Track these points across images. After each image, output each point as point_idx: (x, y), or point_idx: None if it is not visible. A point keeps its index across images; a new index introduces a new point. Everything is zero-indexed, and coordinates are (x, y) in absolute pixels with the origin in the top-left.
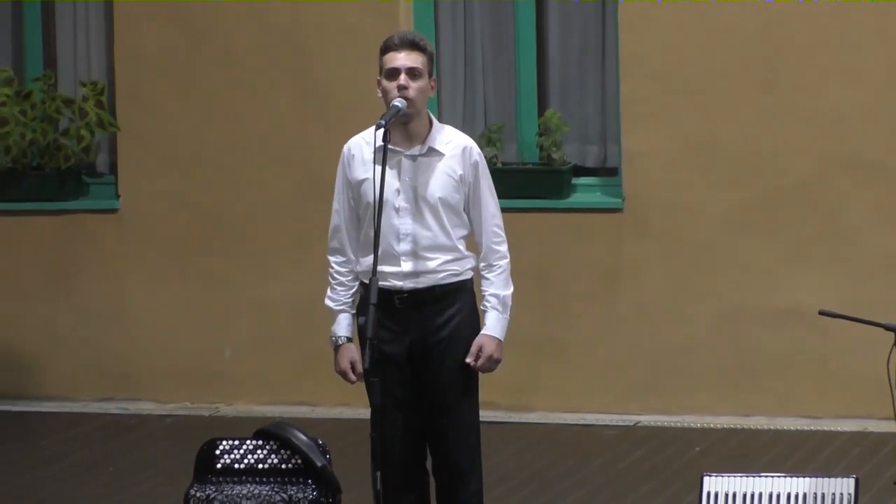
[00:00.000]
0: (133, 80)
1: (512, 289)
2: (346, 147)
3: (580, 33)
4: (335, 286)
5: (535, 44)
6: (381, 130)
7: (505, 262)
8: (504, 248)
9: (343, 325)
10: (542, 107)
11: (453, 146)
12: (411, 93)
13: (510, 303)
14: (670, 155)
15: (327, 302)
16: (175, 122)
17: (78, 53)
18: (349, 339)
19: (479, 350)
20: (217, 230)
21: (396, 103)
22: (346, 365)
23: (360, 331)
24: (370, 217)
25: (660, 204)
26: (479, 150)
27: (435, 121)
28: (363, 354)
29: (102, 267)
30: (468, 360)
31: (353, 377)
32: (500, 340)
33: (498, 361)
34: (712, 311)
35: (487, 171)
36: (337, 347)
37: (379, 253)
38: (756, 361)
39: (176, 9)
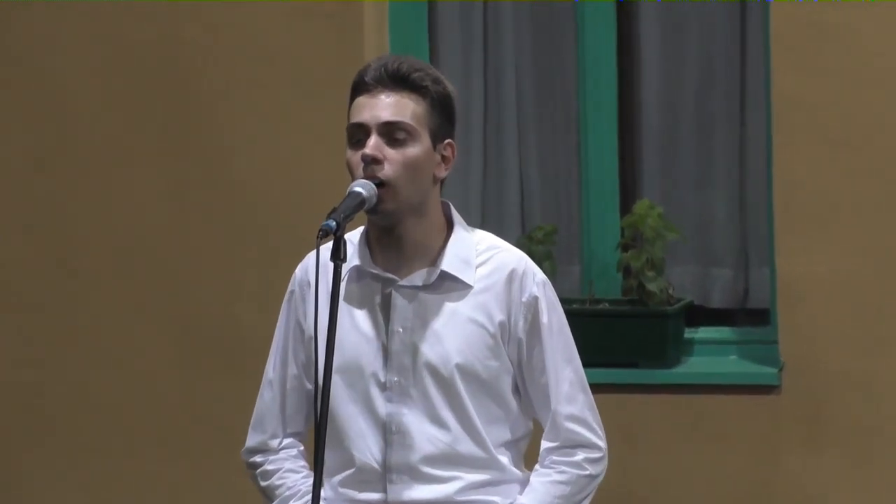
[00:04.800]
0: None
1: None
2: (298, 269)
3: (699, 60)
4: (275, 483)
5: (615, 79)
6: (330, 238)
7: (589, 465)
8: (594, 438)
9: None
10: (627, 196)
11: (490, 270)
12: (387, 170)
13: None
14: (866, 287)
15: None
16: None
17: None
18: None
19: None
20: (39, 430)
21: (356, 188)
22: None
23: None
24: (341, 399)
25: (847, 377)
26: (541, 276)
27: (458, 222)
28: None
29: None
30: None
31: None
32: None
33: None
34: None
35: (560, 317)
36: None
37: (348, 467)
38: None
39: None
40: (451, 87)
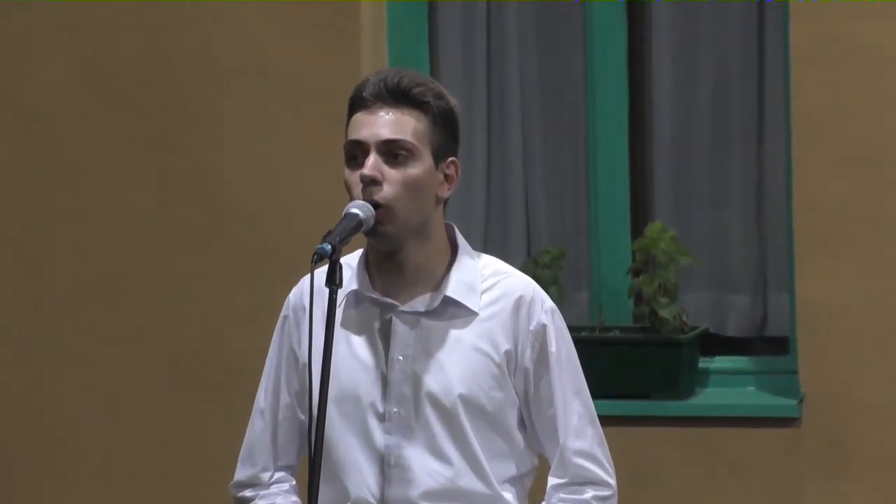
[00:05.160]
0: None
1: None
2: (292, 294)
3: (715, 71)
4: None
5: (626, 91)
6: (326, 262)
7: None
8: (604, 475)
9: None
10: (638, 216)
11: (496, 296)
12: (386, 191)
13: None
14: (892, 314)
15: None
16: None
17: None
18: None
19: None
20: (16, 463)
21: (353, 210)
22: None
23: None
24: (337, 431)
25: (871, 409)
26: (550, 303)
27: (463, 246)
28: None
29: None
30: None
31: None
32: None
33: None
34: None
35: (569, 346)
36: None
37: (343, 502)
38: None
39: None
40: (453, 102)
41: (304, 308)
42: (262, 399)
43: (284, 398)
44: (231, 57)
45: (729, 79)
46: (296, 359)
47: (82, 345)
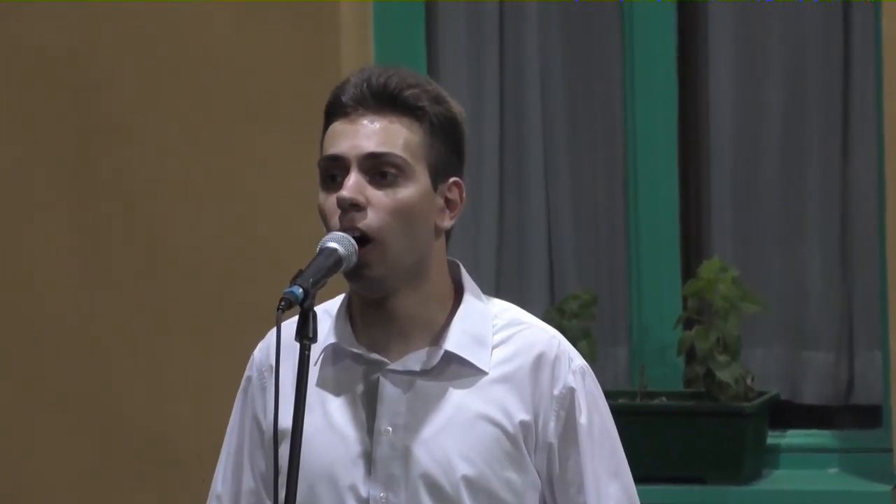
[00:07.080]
0: None
1: None
2: (258, 350)
3: (787, 70)
4: None
5: (675, 88)
6: (296, 310)
7: None
8: None
9: None
10: (690, 253)
11: (512, 352)
12: (371, 219)
13: None
14: None
15: None
16: None
17: None
18: None
19: None
20: None
21: (330, 244)
22: None
23: None
24: None
25: None
26: (580, 361)
27: (470, 288)
28: None
29: None
30: None
31: None
32: None
33: None
34: None
35: (605, 416)
36: None
37: None
38: None
39: None
40: (457, 109)
41: (270, 368)
42: (219, 483)
43: (247, 482)
44: (173, 49)
45: (804, 81)
46: (261, 431)
47: None
